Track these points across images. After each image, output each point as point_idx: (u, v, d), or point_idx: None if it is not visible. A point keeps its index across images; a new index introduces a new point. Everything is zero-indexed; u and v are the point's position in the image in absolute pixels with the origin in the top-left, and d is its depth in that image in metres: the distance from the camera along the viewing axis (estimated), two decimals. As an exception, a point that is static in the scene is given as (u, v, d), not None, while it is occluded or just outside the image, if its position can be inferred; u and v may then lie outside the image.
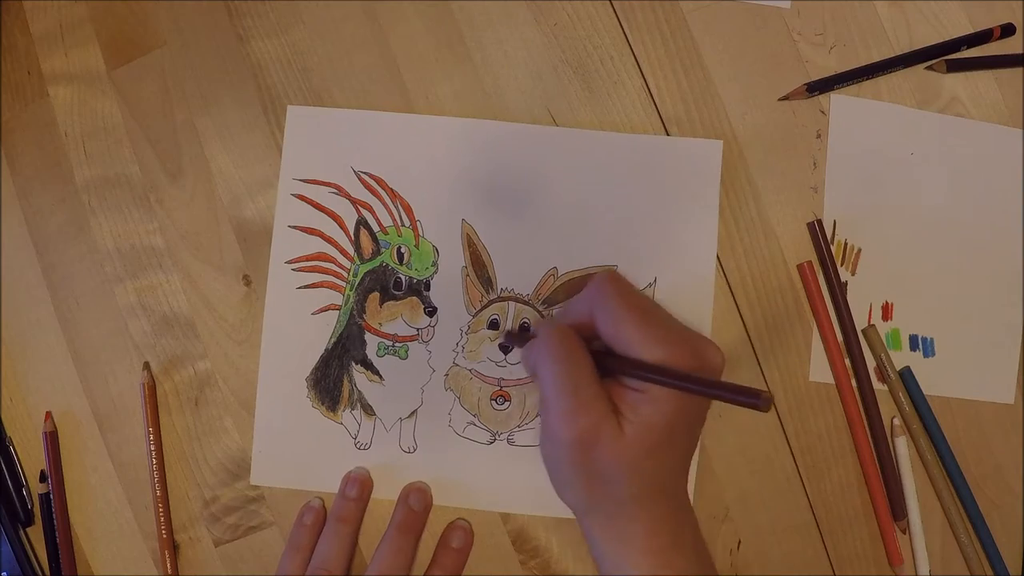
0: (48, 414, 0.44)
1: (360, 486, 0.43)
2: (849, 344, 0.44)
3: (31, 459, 0.45)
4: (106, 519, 0.44)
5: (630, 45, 0.45)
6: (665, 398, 0.34)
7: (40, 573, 0.44)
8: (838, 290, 0.44)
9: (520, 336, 0.43)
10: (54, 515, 0.44)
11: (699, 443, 0.43)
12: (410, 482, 0.44)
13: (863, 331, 0.44)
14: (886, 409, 0.44)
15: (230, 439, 0.44)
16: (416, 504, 0.43)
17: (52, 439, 0.44)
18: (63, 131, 0.45)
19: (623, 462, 0.34)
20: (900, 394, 0.44)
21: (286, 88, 0.45)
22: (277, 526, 0.44)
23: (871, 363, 0.44)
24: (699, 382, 0.33)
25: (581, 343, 0.36)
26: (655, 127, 0.45)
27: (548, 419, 0.36)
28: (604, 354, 0.36)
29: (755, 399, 0.31)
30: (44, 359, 0.45)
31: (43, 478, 0.44)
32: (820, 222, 0.44)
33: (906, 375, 0.44)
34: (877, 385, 0.44)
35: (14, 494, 0.44)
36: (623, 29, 0.45)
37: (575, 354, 0.36)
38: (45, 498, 0.44)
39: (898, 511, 0.43)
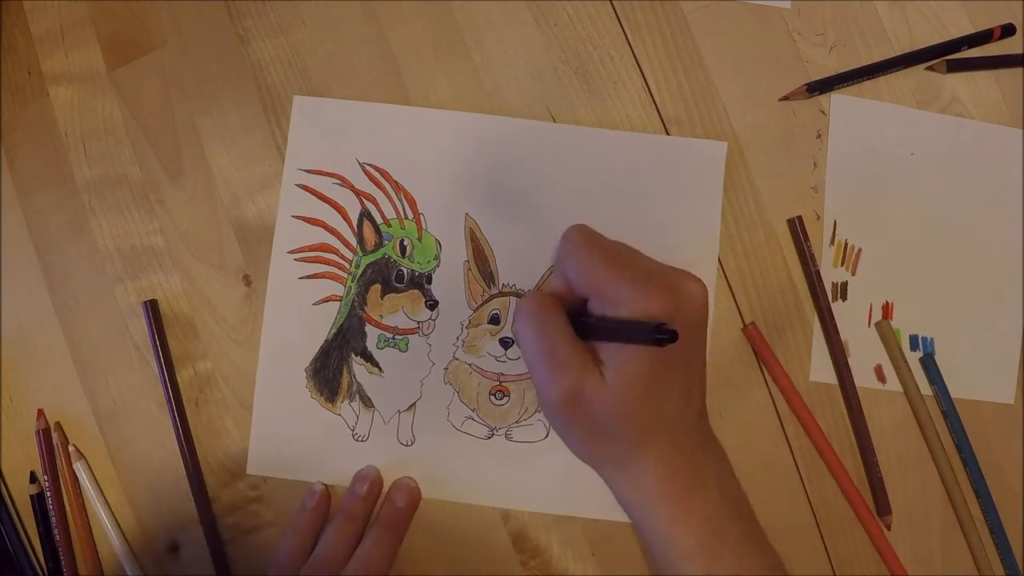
0: (40, 412, 0.44)
1: (371, 485, 0.42)
2: (836, 347, 0.44)
3: (31, 459, 0.45)
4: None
5: (630, 45, 0.45)
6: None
7: (40, 573, 0.44)
8: (817, 287, 0.44)
9: None
10: (51, 514, 0.44)
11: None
12: (399, 477, 0.43)
13: (876, 324, 0.44)
14: (886, 409, 0.44)
15: (230, 439, 0.44)
16: (402, 501, 0.42)
17: (45, 436, 0.44)
18: (63, 131, 0.45)
19: (614, 412, 0.35)
20: (911, 387, 0.44)
21: (286, 88, 0.45)
22: (277, 526, 0.44)
23: (873, 363, 0.44)
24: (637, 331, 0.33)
25: (555, 305, 0.37)
26: (655, 127, 0.45)
27: (535, 384, 0.37)
28: (577, 315, 0.37)
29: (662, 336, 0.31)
30: (44, 359, 0.45)
31: (32, 479, 0.44)
32: (800, 219, 0.44)
33: (928, 363, 0.44)
34: (878, 385, 0.44)
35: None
36: (623, 29, 0.45)
37: (548, 317, 0.37)
38: (36, 499, 0.44)
39: (882, 507, 0.43)
